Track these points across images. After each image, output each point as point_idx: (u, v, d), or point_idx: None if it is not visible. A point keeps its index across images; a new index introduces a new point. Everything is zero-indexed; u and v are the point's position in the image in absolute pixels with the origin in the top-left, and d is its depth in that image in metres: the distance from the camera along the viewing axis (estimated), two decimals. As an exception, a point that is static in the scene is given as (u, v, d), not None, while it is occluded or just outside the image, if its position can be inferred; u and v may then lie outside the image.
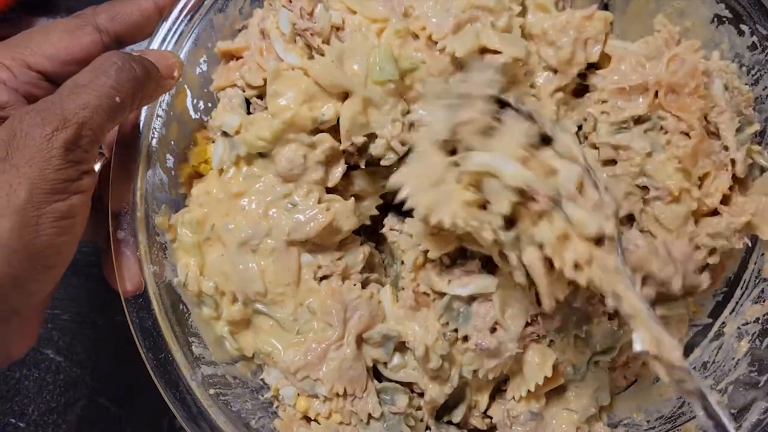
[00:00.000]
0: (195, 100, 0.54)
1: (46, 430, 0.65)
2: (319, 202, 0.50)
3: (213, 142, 0.53)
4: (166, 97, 0.51)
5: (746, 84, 0.52)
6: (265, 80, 0.51)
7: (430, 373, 0.51)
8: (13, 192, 0.38)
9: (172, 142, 0.52)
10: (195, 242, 0.52)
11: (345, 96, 0.49)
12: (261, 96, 0.53)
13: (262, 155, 0.51)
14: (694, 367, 0.54)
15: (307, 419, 0.52)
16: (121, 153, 0.49)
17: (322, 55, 0.49)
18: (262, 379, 0.53)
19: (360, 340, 0.51)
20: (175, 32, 0.51)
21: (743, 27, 0.50)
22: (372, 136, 0.50)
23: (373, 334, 0.51)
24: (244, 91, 0.53)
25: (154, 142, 0.50)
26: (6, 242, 0.38)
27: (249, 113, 0.53)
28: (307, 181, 0.50)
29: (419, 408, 0.53)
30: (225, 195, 0.51)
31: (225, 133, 0.52)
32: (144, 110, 0.50)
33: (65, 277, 0.43)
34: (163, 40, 0.51)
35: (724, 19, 0.51)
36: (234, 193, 0.51)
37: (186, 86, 0.53)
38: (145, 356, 0.47)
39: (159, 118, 0.51)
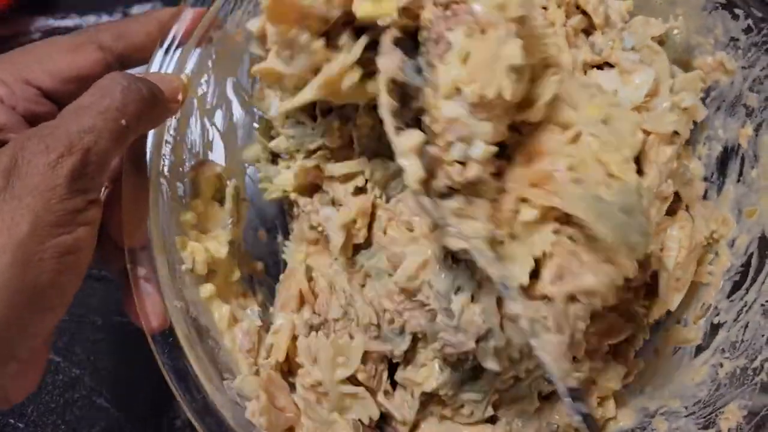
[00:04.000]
0: (200, 122, 0.51)
1: (45, 430, 0.64)
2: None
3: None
4: (172, 122, 0.48)
5: (743, 66, 0.53)
6: None
7: None
8: (15, 225, 0.34)
9: (181, 169, 0.49)
10: None
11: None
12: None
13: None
14: (723, 350, 0.53)
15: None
16: (130, 183, 0.46)
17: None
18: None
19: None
20: (173, 55, 0.48)
21: (737, 11, 0.51)
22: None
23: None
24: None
25: (165, 170, 0.48)
26: (7, 281, 0.34)
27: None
28: None
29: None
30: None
31: None
32: (151, 136, 0.47)
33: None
34: (161, 63, 0.48)
35: (717, 5, 0.52)
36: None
37: (191, 108, 0.50)
38: (181, 399, 0.44)
39: (168, 144, 0.48)
